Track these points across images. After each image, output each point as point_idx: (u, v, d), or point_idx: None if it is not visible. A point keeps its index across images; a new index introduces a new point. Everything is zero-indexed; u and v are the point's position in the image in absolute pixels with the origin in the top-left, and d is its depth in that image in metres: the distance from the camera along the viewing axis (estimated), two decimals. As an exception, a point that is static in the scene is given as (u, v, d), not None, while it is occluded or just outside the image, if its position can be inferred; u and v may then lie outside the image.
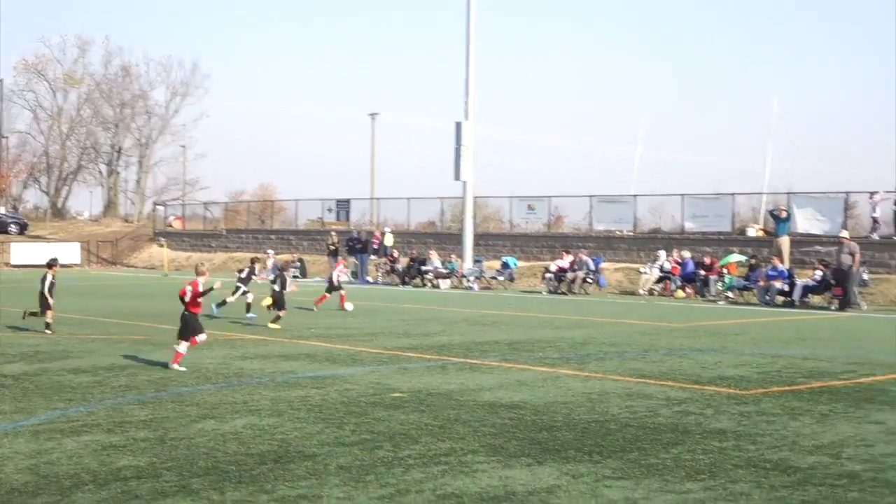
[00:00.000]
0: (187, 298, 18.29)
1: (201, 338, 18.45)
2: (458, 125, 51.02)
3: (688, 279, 42.95)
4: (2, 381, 16.32)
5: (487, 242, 56.70)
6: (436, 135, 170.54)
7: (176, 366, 17.86)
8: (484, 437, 11.97)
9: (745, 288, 39.94)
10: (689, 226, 50.60)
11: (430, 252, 52.36)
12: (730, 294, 40.23)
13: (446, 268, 50.56)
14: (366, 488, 9.58)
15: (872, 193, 44.33)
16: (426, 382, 16.40)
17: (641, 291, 43.63)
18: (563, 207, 60.03)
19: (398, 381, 16.55)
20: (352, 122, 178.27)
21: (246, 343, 22.41)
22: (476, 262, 50.98)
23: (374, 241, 57.87)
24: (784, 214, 43.25)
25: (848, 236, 38.00)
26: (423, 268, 50.15)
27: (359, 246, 56.14)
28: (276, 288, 26.75)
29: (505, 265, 49.34)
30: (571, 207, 58.93)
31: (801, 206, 46.59)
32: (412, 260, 52.31)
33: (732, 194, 50.58)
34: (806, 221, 46.21)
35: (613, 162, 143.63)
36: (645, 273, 44.62)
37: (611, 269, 48.54)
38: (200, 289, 18.37)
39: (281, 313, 26.40)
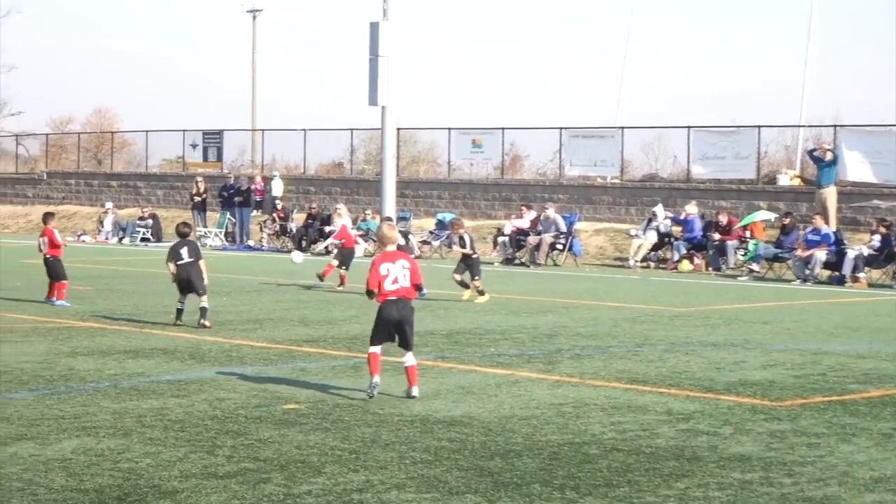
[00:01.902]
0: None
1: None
2: (374, 27, 50.72)
3: (697, 246, 43.22)
4: None
5: (417, 193, 56.68)
6: (344, 42, 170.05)
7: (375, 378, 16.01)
8: (414, 466, 11.98)
9: (777, 258, 40.25)
10: (699, 171, 50.83)
11: (337, 206, 52.20)
12: (755, 266, 40.54)
13: (359, 228, 50.51)
14: (248, 538, 9.56)
15: None
16: (332, 389, 16.37)
17: (632, 262, 43.87)
18: (523, 144, 60.17)
19: (292, 388, 16.53)
20: (225, 23, 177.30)
21: (76, 332, 22.21)
22: (401, 220, 50.98)
23: (257, 190, 57.63)
24: (829, 156, 43.50)
25: None
26: (328, 228, 50.02)
27: (237, 198, 55.87)
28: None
29: (441, 224, 49.37)
30: (534, 144, 59.01)
31: (851, 146, 46.94)
32: (311, 217, 52.19)
33: (758, 126, 50.70)
34: (859, 165, 46.57)
35: (593, 83, 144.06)
36: (637, 237, 44.84)
37: (589, 232, 48.76)
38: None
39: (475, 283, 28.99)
